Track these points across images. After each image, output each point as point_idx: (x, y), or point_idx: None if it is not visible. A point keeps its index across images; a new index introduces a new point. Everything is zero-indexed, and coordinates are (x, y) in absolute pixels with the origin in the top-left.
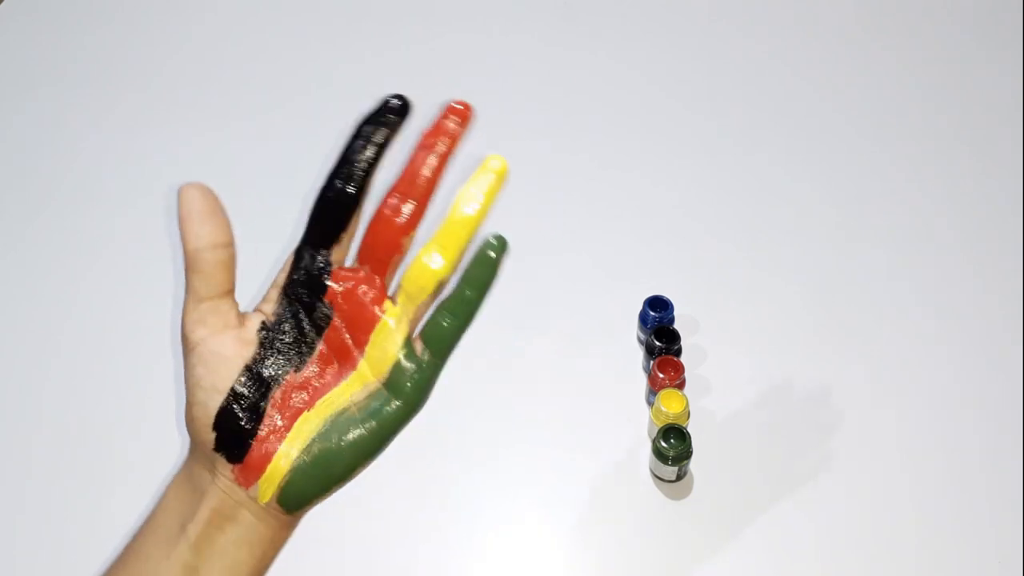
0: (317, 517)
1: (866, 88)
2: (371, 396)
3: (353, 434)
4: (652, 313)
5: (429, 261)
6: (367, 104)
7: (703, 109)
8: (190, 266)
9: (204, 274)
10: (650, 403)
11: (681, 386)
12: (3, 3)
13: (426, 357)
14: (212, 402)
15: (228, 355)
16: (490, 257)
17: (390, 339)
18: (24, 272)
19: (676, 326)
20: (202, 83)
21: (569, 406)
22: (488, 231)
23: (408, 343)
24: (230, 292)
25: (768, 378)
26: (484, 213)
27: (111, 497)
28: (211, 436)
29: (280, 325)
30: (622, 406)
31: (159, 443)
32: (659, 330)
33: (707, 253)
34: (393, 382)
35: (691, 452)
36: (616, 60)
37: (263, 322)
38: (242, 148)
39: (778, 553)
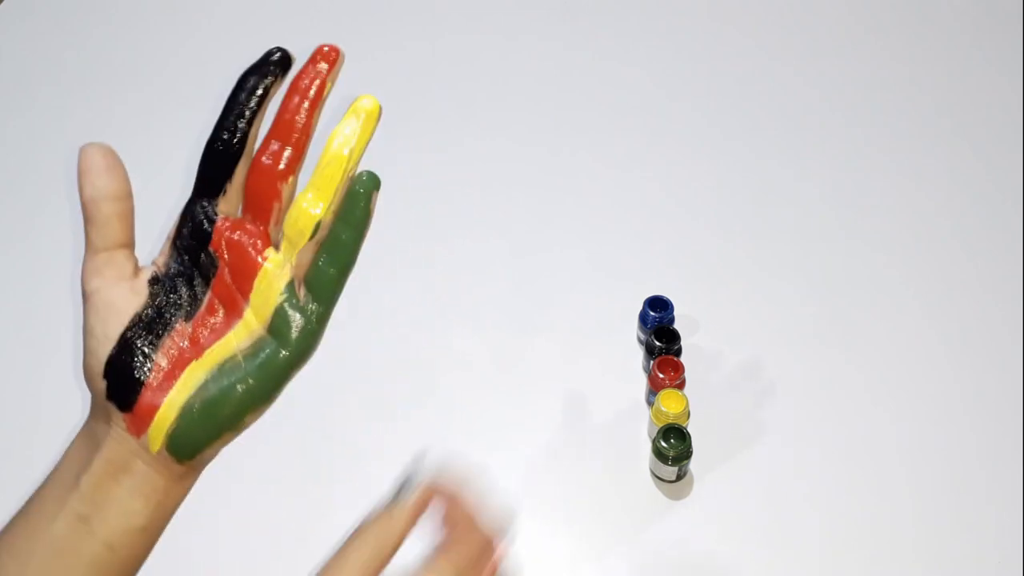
0: (323, 520)
1: (866, 88)
2: (256, 344)
3: (240, 383)
4: (652, 313)
5: (307, 206)
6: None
7: (703, 109)
8: (87, 217)
9: (99, 225)
10: (650, 403)
11: (681, 386)
12: (3, 3)
13: (311, 304)
14: (103, 350)
15: (120, 305)
16: (360, 194)
17: (272, 286)
18: (24, 272)
19: (676, 326)
20: (202, 83)
21: (569, 406)
22: (360, 169)
23: (290, 289)
24: (126, 245)
25: (768, 378)
26: (357, 152)
27: None
28: (102, 384)
29: (170, 276)
30: (622, 406)
31: None
32: (659, 330)
33: (707, 253)
34: (276, 329)
35: (691, 452)
36: (616, 60)
37: (155, 273)
38: None
39: (778, 553)
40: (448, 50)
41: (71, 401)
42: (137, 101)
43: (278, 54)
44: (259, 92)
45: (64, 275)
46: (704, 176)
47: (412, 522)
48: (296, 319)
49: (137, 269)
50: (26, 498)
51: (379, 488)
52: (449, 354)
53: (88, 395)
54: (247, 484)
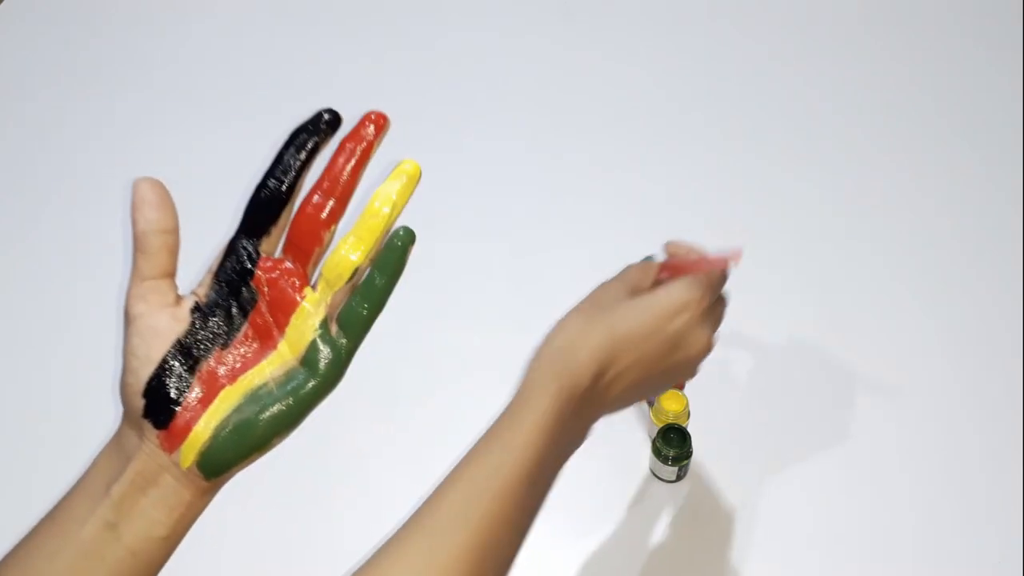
0: (321, 516)
1: (866, 88)
2: (288, 373)
3: (271, 408)
4: None
5: (347, 252)
6: (368, 104)
7: (703, 109)
8: (137, 247)
9: (148, 255)
10: (650, 403)
11: (681, 386)
12: (3, 3)
13: (341, 339)
14: (144, 371)
15: (162, 330)
16: (397, 247)
17: (307, 322)
18: (24, 272)
19: None
20: (202, 83)
21: None
22: (399, 224)
23: (324, 325)
24: (171, 274)
25: (768, 378)
26: (397, 210)
27: None
28: (141, 403)
29: (211, 306)
30: None
31: None
32: None
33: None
34: (309, 360)
35: (691, 452)
36: (616, 60)
37: (196, 303)
38: (242, 149)
39: (778, 553)
40: (448, 50)
41: (76, 402)
42: (137, 101)
43: (328, 116)
44: (308, 147)
45: (65, 274)
46: (704, 176)
47: (662, 269)
48: (327, 352)
49: (178, 298)
50: (34, 498)
51: (378, 486)
52: (449, 354)
53: (105, 402)
54: (245, 481)
